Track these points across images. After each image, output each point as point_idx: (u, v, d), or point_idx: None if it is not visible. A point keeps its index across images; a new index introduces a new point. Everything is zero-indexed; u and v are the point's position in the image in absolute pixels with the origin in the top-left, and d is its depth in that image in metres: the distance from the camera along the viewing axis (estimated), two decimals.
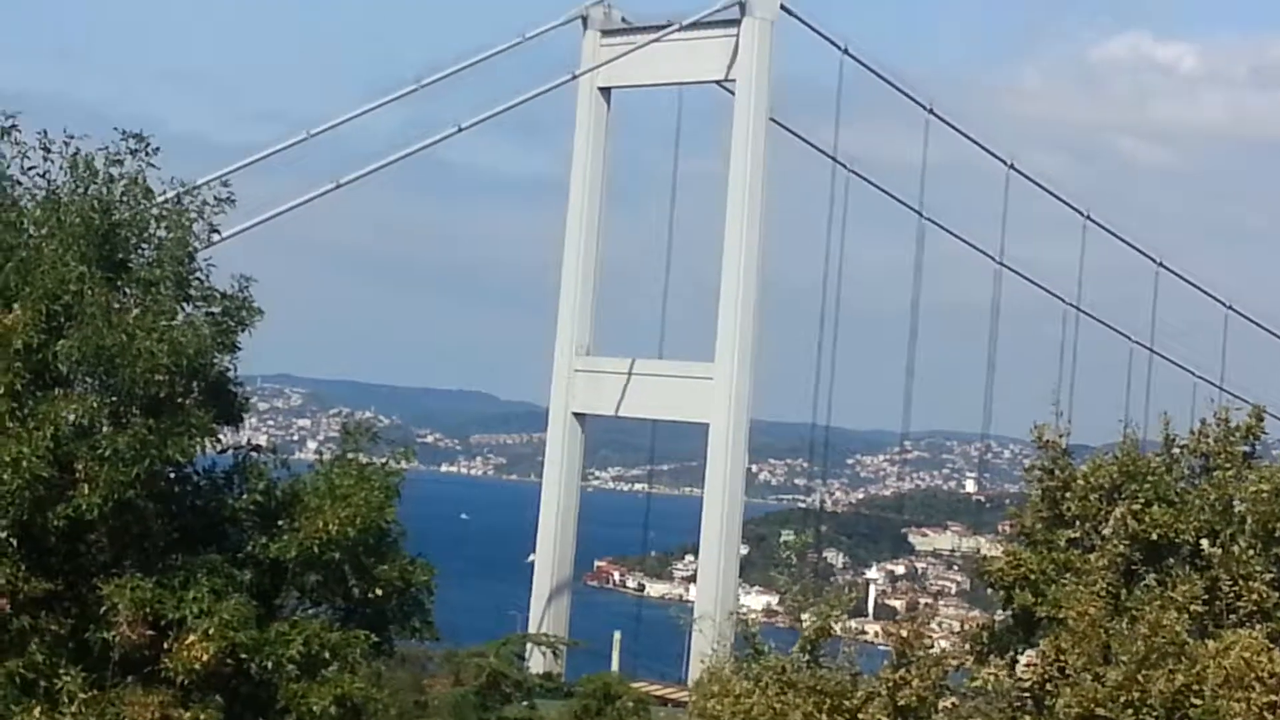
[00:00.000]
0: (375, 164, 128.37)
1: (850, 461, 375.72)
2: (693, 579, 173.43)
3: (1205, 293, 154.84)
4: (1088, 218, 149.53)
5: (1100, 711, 28.11)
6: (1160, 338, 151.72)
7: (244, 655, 31.57)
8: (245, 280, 34.35)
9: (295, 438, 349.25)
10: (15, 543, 30.05)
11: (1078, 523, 36.05)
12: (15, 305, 30.44)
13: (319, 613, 35.17)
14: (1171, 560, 34.84)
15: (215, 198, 34.38)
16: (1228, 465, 36.01)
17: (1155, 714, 28.20)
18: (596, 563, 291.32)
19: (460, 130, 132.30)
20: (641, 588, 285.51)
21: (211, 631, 30.66)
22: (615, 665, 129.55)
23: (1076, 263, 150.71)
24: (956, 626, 40.03)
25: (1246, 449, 36.61)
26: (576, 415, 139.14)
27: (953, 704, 31.81)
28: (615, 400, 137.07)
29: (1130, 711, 28.03)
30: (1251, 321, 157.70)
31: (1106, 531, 35.58)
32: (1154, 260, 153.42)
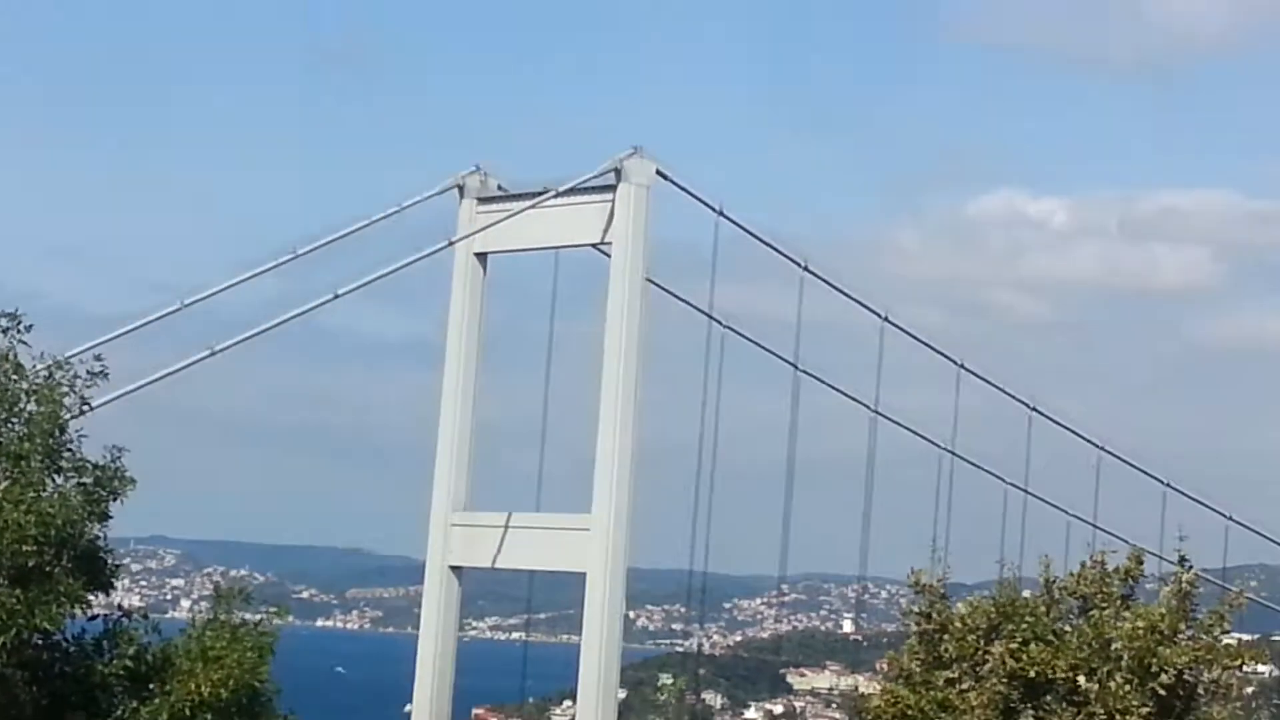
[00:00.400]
0: (251, 331, 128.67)
1: (728, 605, 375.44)
2: None
3: (1078, 435, 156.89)
4: (961, 366, 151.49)
5: None
6: (1034, 480, 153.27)
7: None
8: (117, 450, 34.34)
9: (169, 597, 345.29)
10: None
11: (955, 663, 36.22)
12: None
13: None
14: (1049, 697, 35.03)
15: (88, 371, 34.40)
16: (1104, 605, 36.35)
17: None
18: (474, 710, 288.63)
19: (337, 297, 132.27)
20: None
21: None
22: None
23: (950, 410, 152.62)
24: None
25: (1125, 590, 37.02)
26: (453, 568, 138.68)
27: None
28: (492, 553, 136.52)
29: None
30: (1123, 461, 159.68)
31: (985, 670, 35.75)
32: (1027, 405, 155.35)
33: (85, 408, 34.47)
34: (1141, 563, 37.38)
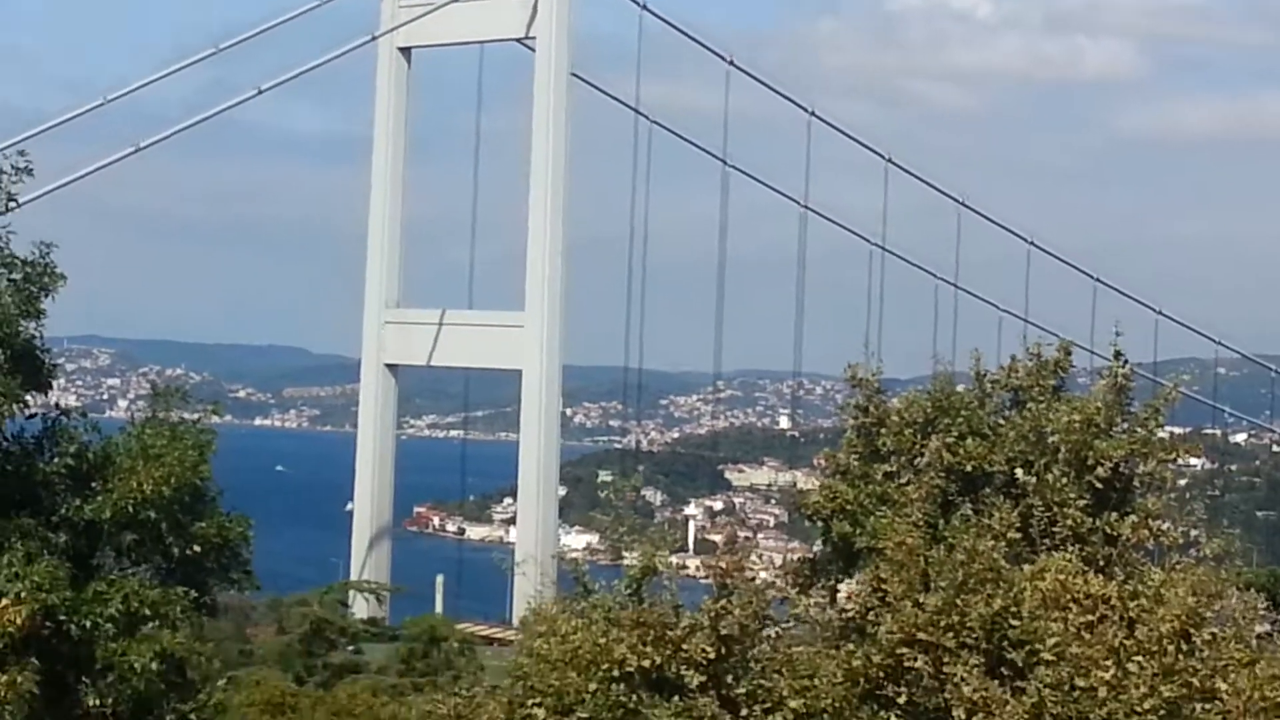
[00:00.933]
0: (174, 127, 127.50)
1: (664, 402, 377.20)
2: (512, 521, 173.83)
3: (1007, 229, 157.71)
4: (889, 161, 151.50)
5: (921, 636, 28.47)
6: (965, 275, 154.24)
7: (61, 616, 31.30)
8: (46, 246, 34.11)
9: (105, 397, 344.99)
10: None
11: (893, 457, 36.54)
12: None
13: (137, 572, 34.92)
14: (987, 490, 35.41)
15: (13, 167, 34.07)
16: (1039, 398, 36.63)
17: (975, 635, 28.60)
18: (416, 508, 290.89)
19: (260, 92, 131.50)
20: (462, 531, 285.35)
21: (24, 594, 30.34)
22: (439, 608, 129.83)
23: (880, 206, 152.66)
24: (777, 559, 40.43)
25: (1056, 382, 37.28)
26: (389, 366, 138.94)
27: (775, 633, 32.11)
28: (427, 350, 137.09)
29: (950, 634, 28.41)
30: (1050, 255, 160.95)
31: (922, 464, 36.08)
32: (956, 199, 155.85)
33: (11, 204, 34.20)
34: (1070, 354, 37.65)
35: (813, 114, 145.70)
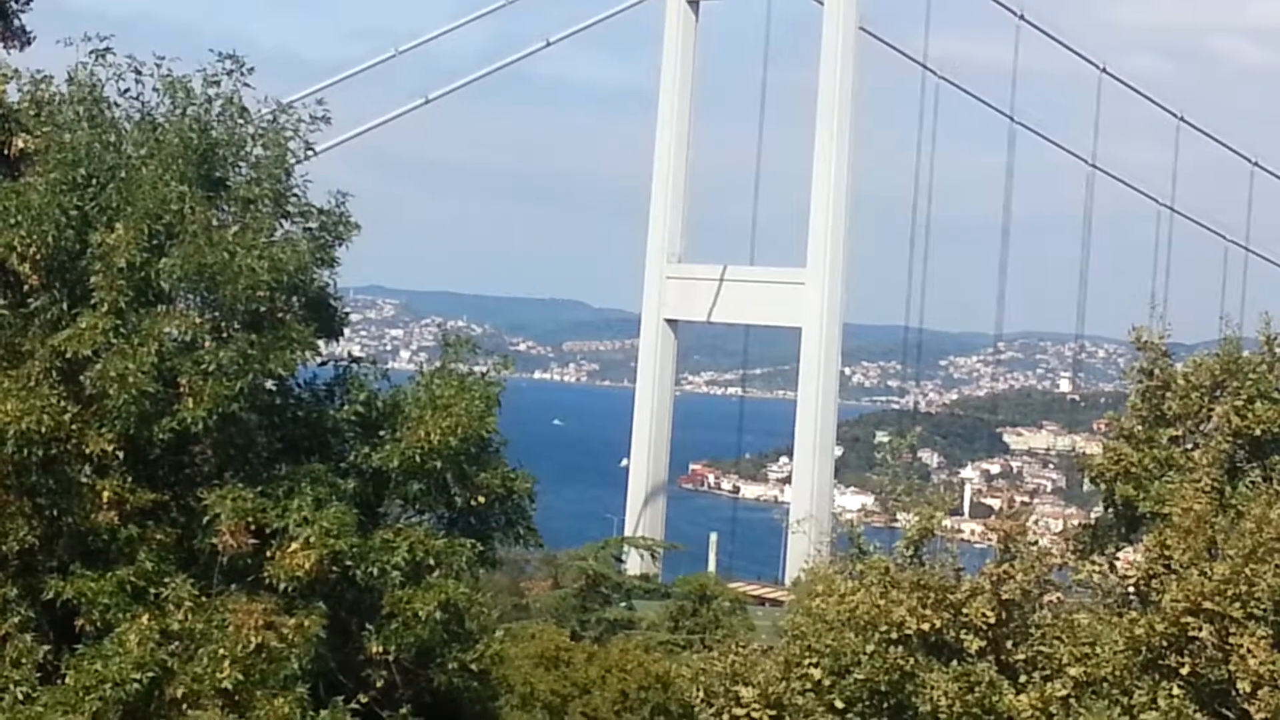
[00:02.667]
0: (464, 79, 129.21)
1: (943, 363, 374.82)
2: (787, 481, 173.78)
3: None
4: (1181, 119, 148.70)
5: (1207, 605, 27.97)
6: (1256, 237, 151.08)
7: (348, 563, 31.81)
8: (342, 195, 34.63)
9: (388, 348, 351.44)
10: (122, 456, 30.35)
11: (1179, 421, 35.83)
12: (118, 224, 30.66)
13: (423, 521, 35.41)
14: (1276, 457, 34.57)
15: (311, 115, 34.58)
16: None
17: (1263, 607, 28.03)
18: (691, 465, 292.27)
19: (549, 44, 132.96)
20: (736, 490, 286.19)
21: (313, 539, 30.87)
22: (712, 566, 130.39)
23: (1170, 165, 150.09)
24: (1054, 524, 39.90)
25: None
26: (669, 321, 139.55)
27: (1057, 598, 31.76)
28: (707, 306, 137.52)
29: (1238, 605, 27.87)
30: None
31: (1209, 429, 35.37)
32: (1248, 159, 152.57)
33: (310, 152, 34.73)
34: None
35: (1104, 70, 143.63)
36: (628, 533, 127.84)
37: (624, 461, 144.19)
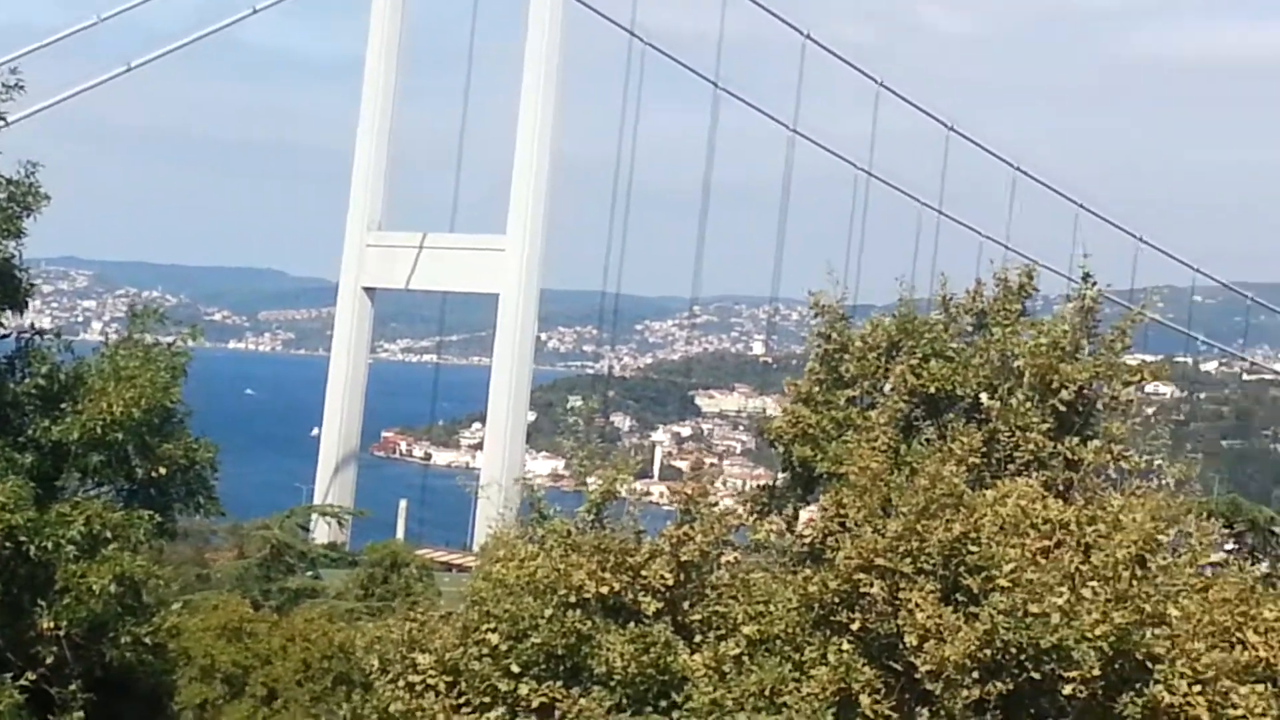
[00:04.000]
0: (169, 46, 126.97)
1: (639, 327, 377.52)
2: (480, 446, 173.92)
3: (993, 154, 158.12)
4: (881, 85, 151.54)
5: (880, 561, 28.50)
6: (950, 201, 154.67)
7: (22, 538, 31.25)
8: (31, 165, 33.98)
9: (80, 319, 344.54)
10: None
11: (856, 382, 36.47)
12: None
13: (101, 494, 34.91)
14: (950, 414, 35.35)
15: (3, 84, 33.87)
16: (1004, 322, 36.57)
17: (933, 562, 28.64)
18: (383, 433, 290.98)
19: (255, 12, 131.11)
20: (428, 457, 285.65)
21: None
22: (401, 533, 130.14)
23: (870, 131, 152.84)
24: (742, 485, 40.38)
25: (1021, 306, 37.16)
26: (367, 289, 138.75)
27: (735, 558, 32.17)
28: (406, 274, 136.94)
29: (908, 560, 28.44)
30: (1036, 180, 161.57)
31: (886, 389, 36.07)
32: (945, 124, 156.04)
33: (0, 122, 34.04)
34: (1034, 277, 37.49)
35: (808, 37, 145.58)
36: (317, 501, 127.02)
37: (315, 431, 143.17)
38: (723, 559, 31.53)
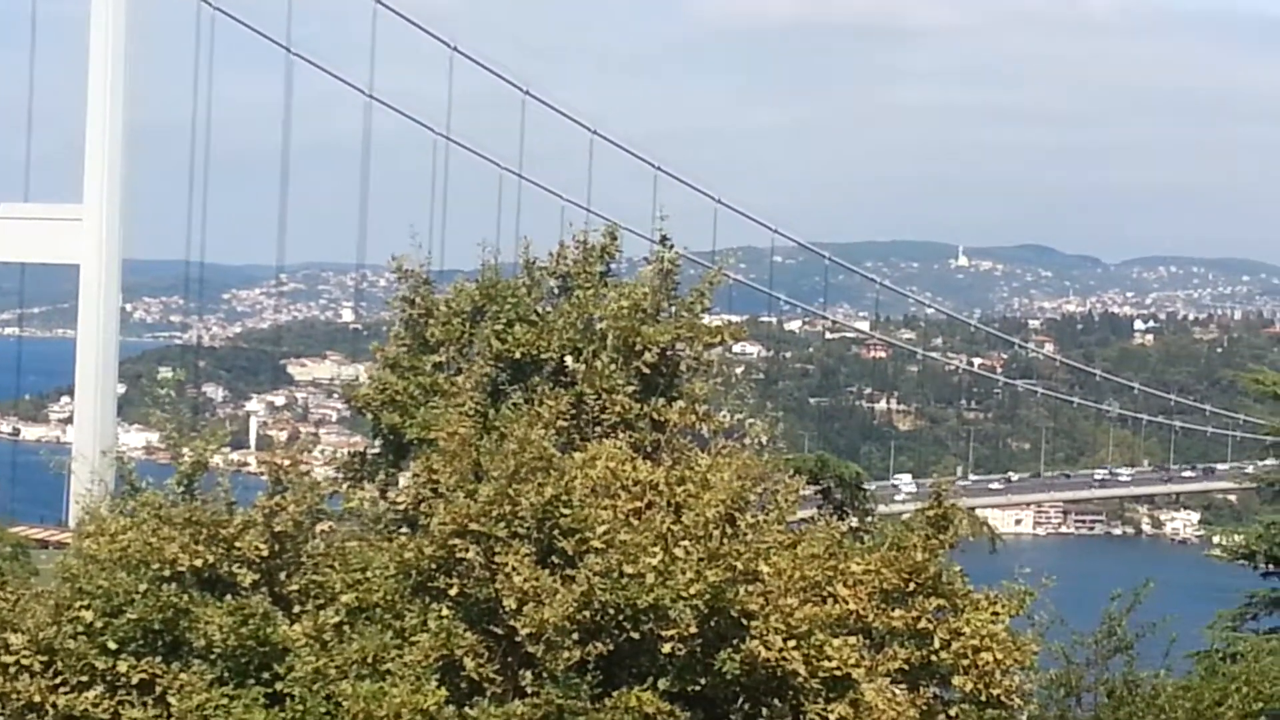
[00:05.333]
0: None
1: (226, 296, 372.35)
2: (70, 420, 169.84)
3: (570, 118, 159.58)
4: (455, 49, 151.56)
5: (473, 526, 28.55)
6: (530, 165, 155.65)
7: None
8: None
9: None
10: None
11: (442, 347, 36.46)
12: None
13: None
14: (537, 378, 35.51)
15: None
16: (587, 284, 36.87)
17: (527, 525, 28.81)
18: None
19: None
20: (16, 432, 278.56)
21: None
22: None
23: (447, 94, 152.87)
24: (337, 454, 40.11)
25: (603, 268, 37.51)
26: None
27: (330, 527, 31.99)
28: None
29: (502, 524, 28.54)
30: (613, 144, 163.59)
31: (472, 353, 36.12)
32: (519, 88, 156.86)
33: None
34: (616, 239, 37.88)
35: (378, 1, 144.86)
36: None
37: None
38: (318, 528, 31.34)
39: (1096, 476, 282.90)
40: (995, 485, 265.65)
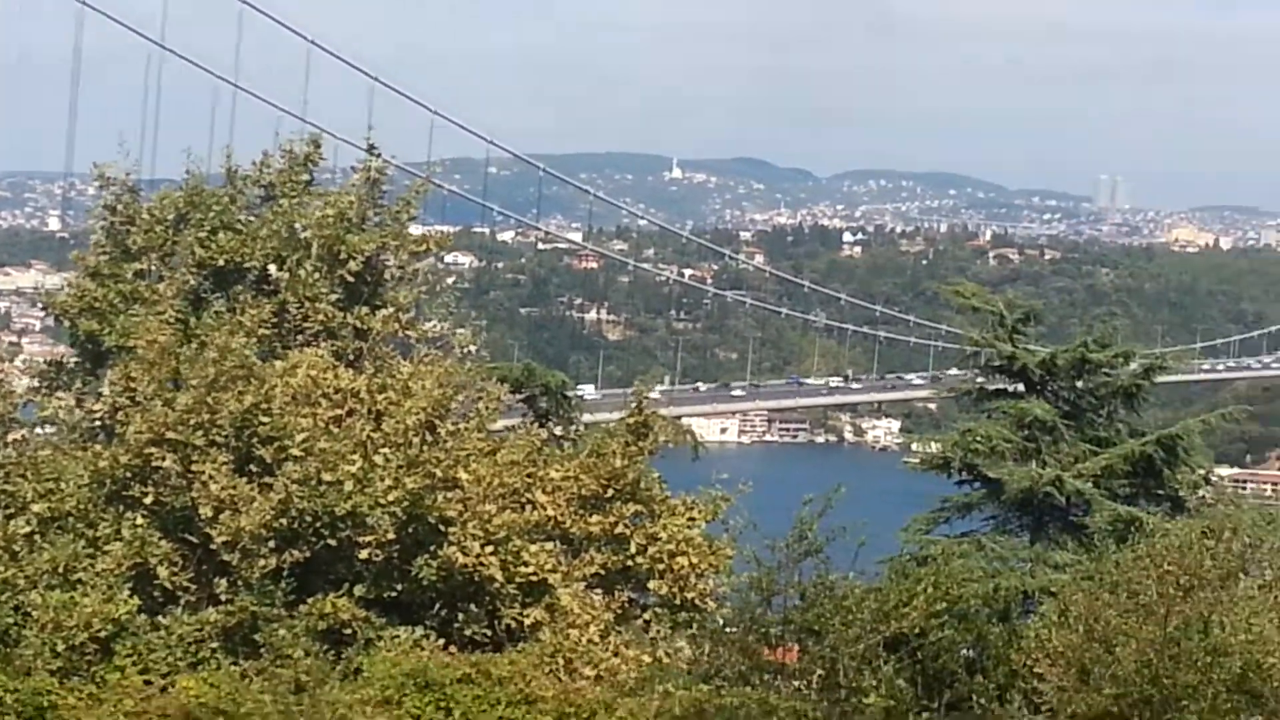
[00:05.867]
0: None
1: None
2: None
3: (288, 28, 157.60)
4: None
5: (171, 435, 28.37)
6: (248, 76, 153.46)
7: None
8: None
9: None
10: None
11: (144, 255, 36.04)
12: None
13: None
14: (239, 286, 35.28)
15: None
16: (291, 193, 36.68)
17: (225, 434, 28.70)
18: None
19: None
20: None
21: None
22: None
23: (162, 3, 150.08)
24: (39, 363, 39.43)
25: (308, 177, 37.34)
26: None
27: (22, 436, 31.54)
28: None
29: (200, 433, 28.42)
30: (332, 55, 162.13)
31: (174, 261, 35.75)
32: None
33: None
34: (319, 148, 37.74)
35: None
36: None
37: None
38: (10, 436, 30.89)
39: (832, 384, 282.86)
40: (701, 393, 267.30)
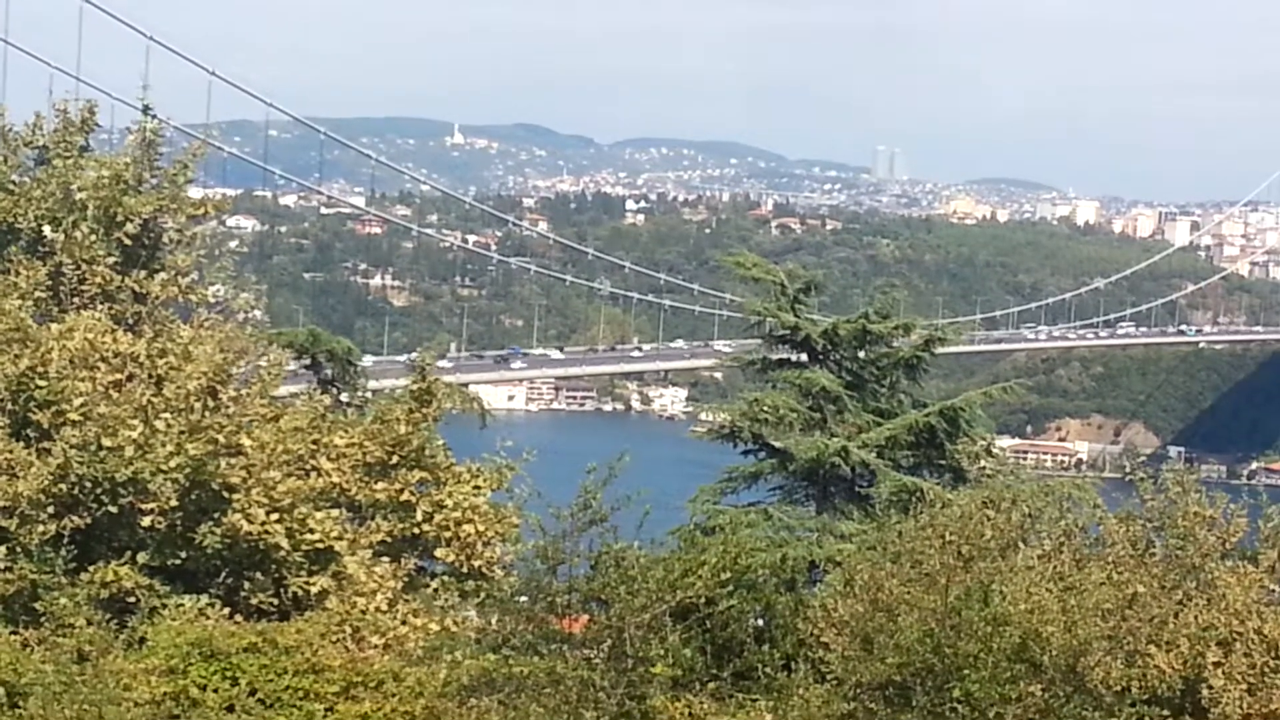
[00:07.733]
0: None
1: None
2: None
3: None
4: None
5: None
6: (19, 32, 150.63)
7: None
8: None
9: None
10: None
11: None
12: None
13: None
14: (13, 248, 34.57)
15: None
16: (66, 155, 36.01)
17: (1, 397, 28.18)
18: None
19: None
20: None
21: None
22: None
23: None
24: None
25: (83, 142, 36.70)
26: None
27: None
28: None
29: None
30: (106, 13, 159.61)
31: None
32: None
33: None
34: (95, 112, 37.16)
35: None
36: None
37: None
38: None
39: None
40: (489, 360, 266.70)
